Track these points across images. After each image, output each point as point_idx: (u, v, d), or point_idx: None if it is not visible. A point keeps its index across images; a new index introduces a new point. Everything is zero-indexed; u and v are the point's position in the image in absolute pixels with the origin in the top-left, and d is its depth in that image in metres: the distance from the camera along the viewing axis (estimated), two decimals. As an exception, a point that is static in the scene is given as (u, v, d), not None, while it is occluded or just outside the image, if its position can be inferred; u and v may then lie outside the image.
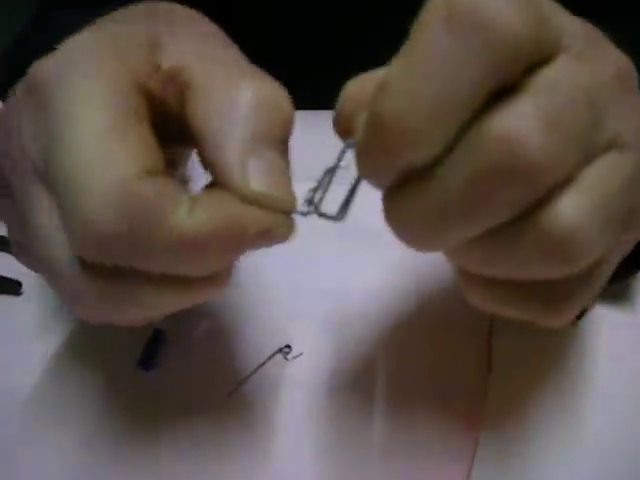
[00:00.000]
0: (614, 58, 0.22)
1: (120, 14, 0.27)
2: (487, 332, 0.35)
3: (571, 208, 0.19)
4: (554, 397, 0.34)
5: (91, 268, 0.22)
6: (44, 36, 0.42)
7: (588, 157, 0.20)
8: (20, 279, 0.40)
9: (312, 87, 0.55)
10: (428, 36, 0.18)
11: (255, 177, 0.22)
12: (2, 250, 0.42)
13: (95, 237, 0.21)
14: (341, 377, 0.35)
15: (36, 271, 0.28)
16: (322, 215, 0.23)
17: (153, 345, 0.36)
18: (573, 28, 0.21)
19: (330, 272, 0.38)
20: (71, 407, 0.34)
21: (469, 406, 0.33)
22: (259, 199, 0.22)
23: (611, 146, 0.21)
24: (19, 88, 0.24)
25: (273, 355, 0.35)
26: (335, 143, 0.24)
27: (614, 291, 0.37)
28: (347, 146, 0.23)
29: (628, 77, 0.22)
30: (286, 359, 0.35)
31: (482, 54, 0.18)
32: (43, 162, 0.22)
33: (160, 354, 0.36)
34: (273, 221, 0.23)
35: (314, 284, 0.38)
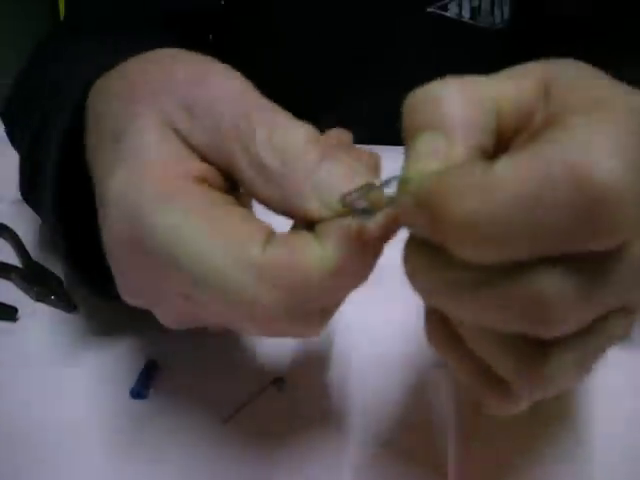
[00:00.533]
0: None
1: (108, 110, 0.27)
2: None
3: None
4: (537, 420, 0.34)
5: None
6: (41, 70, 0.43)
7: None
8: (16, 305, 0.40)
9: (312, 116, 0.57)
10: (542, 177, 0.18)
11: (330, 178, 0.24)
12: (3, 277, 0.43)
13: (265, 320, 0.23)
14: (332, 410, 0.35)
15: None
16: None
17: (146, 375, 0.36)
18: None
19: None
20: (65, 436, 0.34)
21: (445, 438, 0.33)
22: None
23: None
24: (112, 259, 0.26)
25: (266, 387, 0.36)
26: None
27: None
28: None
29: None
30: (279, 391, 0.36)
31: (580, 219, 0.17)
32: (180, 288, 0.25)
33: (153, 384, 0.36)
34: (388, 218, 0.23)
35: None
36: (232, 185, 0.26)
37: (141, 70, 0.27)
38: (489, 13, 0.52)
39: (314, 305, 0.24)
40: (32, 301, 0.41)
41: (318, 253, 0.23)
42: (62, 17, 0.54)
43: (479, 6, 0.52)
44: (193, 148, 0.25)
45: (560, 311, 0.18)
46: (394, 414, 0.35)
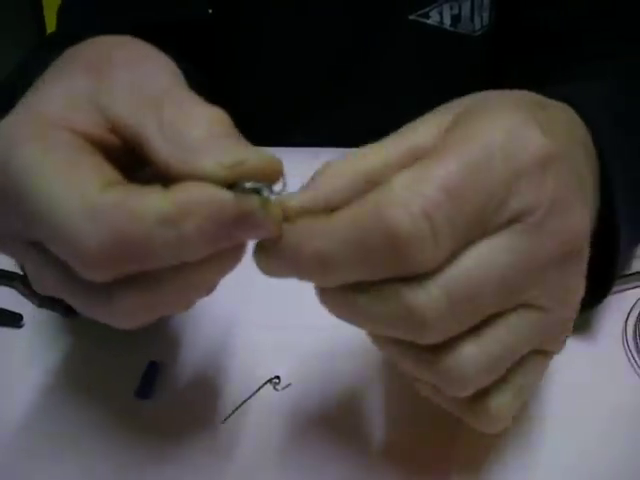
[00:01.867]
0: (570, 230, 0.25)
1: (56, 70, 0.28)
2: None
3: (470, 359, 0.24)
4: (524, 428, 0.35)
5: (105, 284, 0.24)
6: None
7: (503, 311, 0.25)
8: (21, 312, 0.42)
9: (301, 126, 0.58)
10: (359, 230, 0.23)
11: (221, 155, 0.23)
12: (3, 284, 0.44)
13: (92, 258, 0.22)
14: (326, 407, 0.37)
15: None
16: None
17: (149, 376, 0.38)
18: (540, 197, 0.24)
19: (318, 308, 0.41)
20: (71, 436, 0.36)
21: (442, 432, 0.35)
22: (236, 170, 0.23)
23: (523, 306, 0.25)
24: None
25: (263, 385, 0.37)
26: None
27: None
28: None
29: (573, 252, 0.25)
30: (275, 389, 0.37)
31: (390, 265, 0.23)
32: (23, 231, 0.25)
33: (156, 384, 0.38)
34: (248, 203, 0.23)
35: (302, 319, 0.40)
36: (130, 163, 0.26)
37: (90, 48, 0.28)
38: (469, 20, 0.54)
39: (134, 264, 0.23)
40: (34, 307, 0.43)
41: (157, 203, 0.22)
42: (47, 33, 0.55)
43: (459, 13, 0.54)
44: (107, 117, 0.25)
45: (430, 316, 0.23)
46: (391, 411, 0.36)
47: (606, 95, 0.40)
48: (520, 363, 0.27)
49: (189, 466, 0.34)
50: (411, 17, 0.54)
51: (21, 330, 0.41)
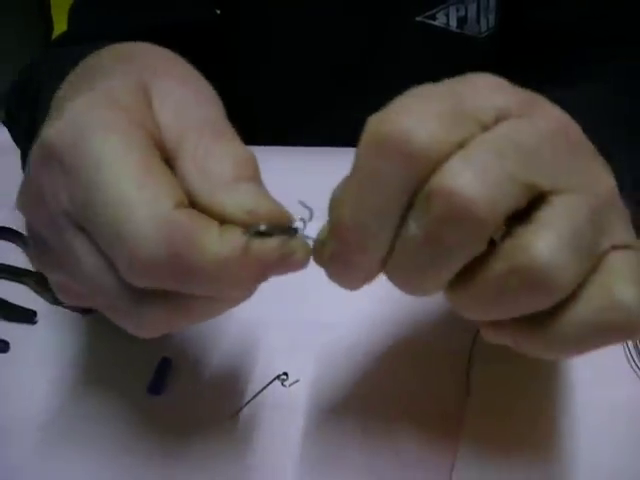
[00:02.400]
0: (550, 113, 0.24)
1: (98, 64, 0.29)
2: (467, 360, 0.39)
3: (544, 246, 0.22)
4: (528, 421, 0.37)
5: (141, 292, 0.24)
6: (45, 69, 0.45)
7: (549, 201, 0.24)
8: (35, 308, 0.43)
9: (306, 127, 0.59)
10: (363, 162, 0.23)
11: (244, 199, 0.25)
12: (17, 281, 0.45)
13: (143, 264, 0.23)
14: (333, 402, 0.38)
15: (84, 305, 0.30)
16: None
17: (161, 372, 0.39)
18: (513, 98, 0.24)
19: (326, 305, 0.42)
20: (85, 431, 0.37)
21: (448, 427, 0.36)
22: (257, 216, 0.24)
23: (568, 191, 0.24)
24: (36, 155, 0.26)
25: (271, 382, 0.38)
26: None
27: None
28: None
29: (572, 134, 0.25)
30: (283, 386, 0.38)
31: (400, 174, 0.23)
32: (79, 215, 0.25)
33: (168, 380, 0.39)
34: (287, 246, 0.25)
35: (311, 316, 0.41)
36: None
37: (135, 49, 0.29)
38: (475, 22, 0.55)
39: (174, 284, 0.24)
40: (48, 304, 0.44)
41: (216, 241, 0.23)
42: (55, 33, 0.55)
43: (465, 15, 0.54)
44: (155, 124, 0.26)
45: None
46: (398, 407, 0.37)
47: (605, 97, 0.40)
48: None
49: (199, 459, 0.35)
50: (418, 19, 0.54)
51: (35, 326, 0.42)
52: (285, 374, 0.39)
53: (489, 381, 0.38)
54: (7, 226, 0.48)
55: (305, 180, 0.47)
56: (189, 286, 0.24)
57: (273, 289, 0.43)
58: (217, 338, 0.41)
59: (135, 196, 0.23)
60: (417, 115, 0.22)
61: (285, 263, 0.25)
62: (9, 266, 0.46)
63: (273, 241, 0.24)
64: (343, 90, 0.58)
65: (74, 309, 0.43)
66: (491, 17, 0.55)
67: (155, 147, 0.25)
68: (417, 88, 0.24)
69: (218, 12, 0.56)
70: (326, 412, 0.37)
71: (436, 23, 0.54)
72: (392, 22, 0.55)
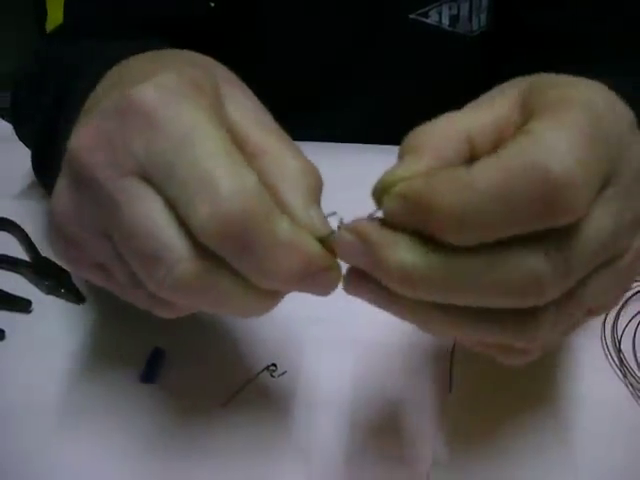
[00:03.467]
0: None
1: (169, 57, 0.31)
2: (449, 358, 0.40)
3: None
4: (508, 417, 0.38)
5: (202, 256, 0.25)
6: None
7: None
8: (30, 297, 0.43)
9: (297, 120, 0.60)
10: (511, 173, 0.22)
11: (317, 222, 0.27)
12: (12, 270, 0.46)
13: (224, 222, 0.24)
14: (319, 394, 0.39)
15: (122, 279, 0.29)
16: None
17: (154, 362, 0.40)
18: (630, 162, 0.25)
19: (314, 300, 0.43)
20: (78, 419, 0.38)
21: (430, 422, 0.37)
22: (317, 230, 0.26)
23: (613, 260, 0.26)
24: (112, 107, 0.26)
25: (260, 372, 0.40)
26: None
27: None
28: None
29: None
30: (272, 376, 0.40)
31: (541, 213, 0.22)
32: (155, 168, 0.25)
33: (160, 370, 0.40)
34: (333, 262, 0.26)
35: (300, 311, 0.42)
36: None
37: (169, 54, 0.31)
38: (467, 20, 0.56)
39: (247, 256, 0.25)
40: (43, 294, 0.45)
41: (287, 225, 0.25)
42: (48, 30, 0.55)
43: (458, 14, 0.55)
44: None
45: (549, 284, 0.23)
46: (382, 401, 0.39)
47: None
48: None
49: (190, 447, 0.36)
50: (411, 16, 0.55)
51: (30, 315, 0.43)
52: (274, 365, 0.40)
53: (470, 379, 0.39)
54: (5, 217, 0.49)
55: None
56: (247, 256, 0.25)
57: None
58: (209, 329, 0.42)
59: (226, 158, 0.25)
60: (583, 171, 0.22)
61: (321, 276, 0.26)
62: (5, 256, 0.46)
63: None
64: (336, 87, 0.59)
65: (66, 298, 0.44)
66: (483, 16, 0.56)
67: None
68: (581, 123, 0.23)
69: (212, 4, 0.57)
70: (314, 403, 0.38)
71: (429, 21, 0.55)
72: (385, 19, 0.56)
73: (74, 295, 0.43)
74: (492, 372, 0.40)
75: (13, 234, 0.49)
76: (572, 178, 0.22)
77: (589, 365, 0.41)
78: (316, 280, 0.26)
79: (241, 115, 0.29)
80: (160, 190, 0.25)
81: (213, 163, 0.24)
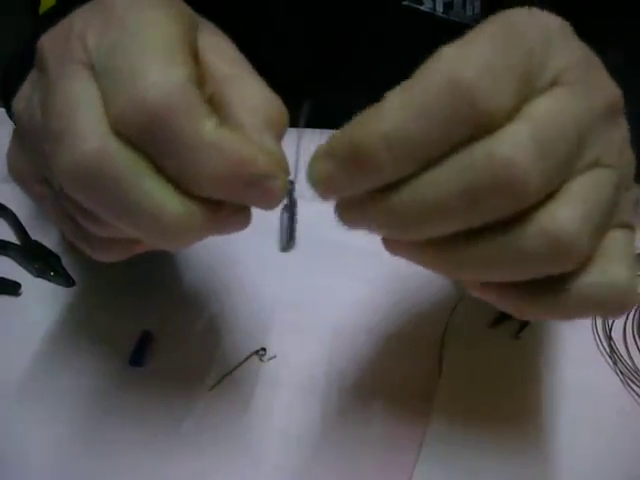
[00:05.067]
0: (606, 89, 0.26)
1: None
2: (439, 343, 0.40)
3: (566, 216, 0.23)
4: (496, 403, 0.38)
5: (119, 142, 0.24)
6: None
7: (574, 174, 0.24)
8: (19, 280, 0.43)
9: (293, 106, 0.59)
10: (424, 89, 0.22)
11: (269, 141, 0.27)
12: (1, 254, 0.46)
13: (142, 111, 0.23)
14: (309, 378, 0.39)
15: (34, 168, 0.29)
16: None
17: (142, 345, 0.40)
18: (571, 60, 0.25)
19: (304, 285, 0.43)
20: (66, 402, 0.37)
21: (420, 406, 0.37)
22: (268, 150, 0.26)
23: (595, 165, 0.25)
24: (82, 10, 0.27)
25: (249, 356, 0.40)
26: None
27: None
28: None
29: (616, 108, 0.26)
30: (261, 360, 0.40)
31: (459, 120, 0.22)
32: (102, 55, 0.25)
33: (148, 353, 0.40)
34: (276, 170, 0.25)
35: (289, 295, 0.42)
36: None
37: None
38: (461, 7, 0.55)
39: (165, 151, 0.24)
40: (32, 277, 0.44)
41: (213, 127, 0.24)
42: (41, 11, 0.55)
43: (452, 1, 0.55)
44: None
45: (528, 164, 0.22)
46: (372, 385, 0.39)
47: None
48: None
49: (176, 431, 0.36)
50: (404, 2, 0.55)
51: (19, 298, 0.43)
52: (263, 349, 0.40)
53: (460, 365, 0.39)
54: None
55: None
56: (168, 154, 0.24)
57: (254, 268, 0.44)
58: (197, 313, 0.42)
59: (162, 52, 0.24)
60: (494, 72, 0.22)
61: (263, 183, 0.25)
62: (-6, 239, 0.46)
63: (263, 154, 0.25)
64: (328, 73, 0.58)
65: (55, 281, 0.43)
66: (477, 3, 0.56)
67: (190, 50, 0.26)
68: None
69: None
70: (302, 387, 0.38)
71: (422, 8, 0.55)
72: (379, 6, 0.55)
73: (63, 278, 0.43)
74: (481, 358, 0.40)
75: (2, 217, 0.48)
76: (481, 79, 0.22)
77: (580, 352, 0.41)
78: (254, 189, 0.25)
79: (214, 49, 0.29)
80: (98, 78, 0.25)
81: (148, 54, 0.24)
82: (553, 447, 0.36)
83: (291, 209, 0.29)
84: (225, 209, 0.26)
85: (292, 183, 0.27)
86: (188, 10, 0.28)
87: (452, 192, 0.22)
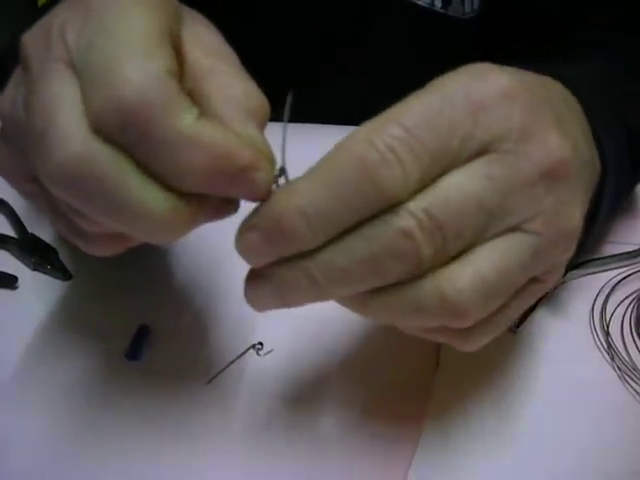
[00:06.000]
0: (545, 156, 0.26)
1: None
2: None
3: (462, 280, 0.25)
4: (494, 395, 0.38)
5: (100, 142, 0.24)
6: None
7: (488, 237, 0.26)
8: (16, 274, 0.43)
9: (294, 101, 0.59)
10: (335, 172, 0.24)
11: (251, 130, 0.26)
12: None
13: (119, 108, 0.23)
14: (306, 372, 0.39)
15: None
16: None
17: (139, 339, 0.40)
18: (503, 130, 0.25)
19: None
20: (62, 395, 0.37)
21: (418, 398, 0.37)
22: (250, 141, 0.26)
23: (515, 230, 0.26)
24: (62, 6, 0.27)
25: (247, 350, 0.39)
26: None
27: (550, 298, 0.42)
28: None
29: (554, 175, 0.26)
30: (258, 355, 0.39)
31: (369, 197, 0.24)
32: (81, 52, 0.25)
33: (145, 347, 0.39)
34: (260, 160, 0.25)
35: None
36: None
37: None
38: (460, 3, 0.55)
39: (144, 147, 0.24)
40: (28, 270, 0.44)
41: (193, 120, 0.24)
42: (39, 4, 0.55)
43: (451, -4, 0.55)
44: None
45: (418, 236, 0.25)
46: (370, 378, 0.38)
47: (590, 77, 0.41)
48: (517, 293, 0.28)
49: (175, 425, 0.36)
50: (403, -3, 0.55)
51: (16, 292, 0.43)
52: (260, 344, 0.40)
53: (458, 355, 0.39)
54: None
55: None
56: (147, 149, 0.24)
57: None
58: (195, 307, 0.42)
59: (139, 45, 0.24)
60: (401, 155, 0.24)
61: (247, 175, 0.25)
62: (-9, 232, 0.46)
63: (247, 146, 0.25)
64: (326, 69, 0.58)
65: (52, 274, 0.43)
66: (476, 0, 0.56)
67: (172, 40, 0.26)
68: (415, 100, 0.25)
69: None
70: (299, 381, 0.38)
71: (420, 3, 0.55)
72: (377, 1, 0.55)
73: (60, 272, 0.43)
74: (479, 353, 0.39)
75: (1, 212, 0.48)
76: (383, 161, 0.24)
77: (577, 348, 0.41)
78: (238, 181, 0.25)
79: (198, 41, 0.28)
80: (79, 76, 0.25)
81: (123, 49, 0.24)
82: (550, 442, 0.36)
83: None
84: (211, 201, 0.26)
85: (283, 170, 0.27)
86: (172, 1, 0.28)
87: (358, 259, 0.25)
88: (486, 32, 0.57)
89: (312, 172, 0.25)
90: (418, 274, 0.26)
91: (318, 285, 0.26)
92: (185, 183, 0.24)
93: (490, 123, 0.25)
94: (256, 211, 0.26)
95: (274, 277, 0.26)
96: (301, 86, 0.61)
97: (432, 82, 0.26)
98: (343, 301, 0.28)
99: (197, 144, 0.24)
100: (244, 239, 0.26)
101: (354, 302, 0.28)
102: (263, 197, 0.26)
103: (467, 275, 0.25)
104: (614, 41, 0.52)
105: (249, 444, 0.36)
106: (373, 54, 0.57)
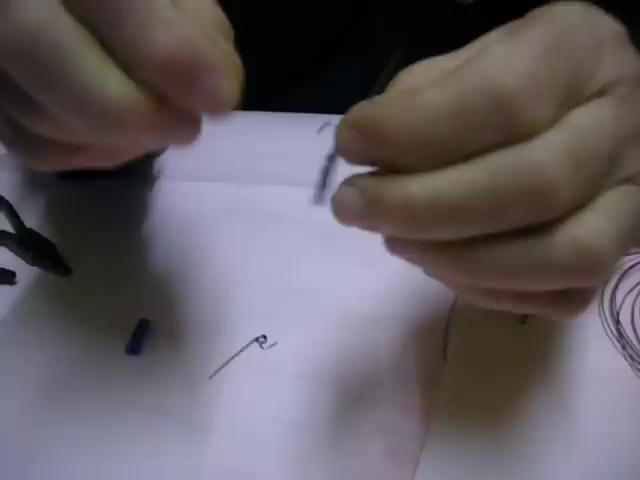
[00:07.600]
0: None
1: None
2: (444, 326, 0.39)
3: (600, 228, 0.23)
4: (501, 388, 0.37)
5: (63, 9, 0.22)
6: None
7: (604, 188, 0.24)
8: (14, 269, 0.43)
9: (296, 92, 0.59)
10: (463, 90, 0.22)
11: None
12: (-2, 243, 0.45)
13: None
14: (311, 365, 0.38)
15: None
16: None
17: (139, 333, 0.39)
18: (620, 73, 0.24)
19: (305, 270, 0.42)
20: (62, 391, 0.37)
21: (425, 391, 0.37)
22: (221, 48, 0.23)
23: (627, 182, 0.24)
24: None
25: (250, 343, 0.39)
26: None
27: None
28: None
29: None
30: (261, 348, 0.39)
31: (499, 128, 0.22)
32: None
33: (146, 341, 0.39)
34: (226, 65, 0.22)
35: (290, 281, 0.41)
36: None
37: None
38: (463, -12, 0.54)
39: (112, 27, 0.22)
40: (27, 266, 0.44)
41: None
42: None
43: (454, -19, 0.54)
44: None
45: (559, 176, 0.22)
46: (376, 371, 0.38)
47: None
48: None
49: (177, 420, 0.36)
50: (406, -18, 0.54)
51: (14, 287, 0.42)
52: (264, 337, 0.39)
53: (465, 348, 0.39)
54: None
55: (287, 146, 0.47)
56: (117, 21, 0.22)
57: (254, 254, 0.43)
58: (196, 300, 0.41)
59: None
60: (539, 83, 0.22)
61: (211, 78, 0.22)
62: (-11, 227, 0.45)
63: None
64: (328, 57, 0.58)
65: (51, 269, 0.43)
66: (480, -15, 0.55)
67: None
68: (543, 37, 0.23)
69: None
70: (303, 375, 0.38)
71: (424, -13, 0.54)
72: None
73: (59, 267, 0.43)
74: (486, 342, 0.39)
75: (-1, 207, 0.48)
76: (524, 90, 0.21)
77: (587, 337, 0.40)
78: (199, 82, 0.22)
79: None
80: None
81: None
82: (559, 432, 0.35)
83: (330, 161, 0.26)
84: (173, 108, 0.23)
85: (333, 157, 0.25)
86: None
87: (478, 193, 0.22)
88: (489, 17, 0.56)
89: (433, 85, 0.22)
90: (546, 220, 0.22)
91: (416, 213, 0.22)
92: (146, 68, 0.22)
93: (609, 65, 0.24)
94: (359, 109, 0.23)
95: (368, 190, 0.23)
96: (300, 77, 0.61)
97: (540, 10, 0.24)
98: (437, 253, 0.24)
99: (168, 27, 0.22)
100: (341, 132, 0.23)
101: (454, 254, 0.23)
102: (221, 109, 0.23)
103: (605, 222, 0.23)
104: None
105: (253, 438, 0.35)
106: (374, 40, 0.56)
